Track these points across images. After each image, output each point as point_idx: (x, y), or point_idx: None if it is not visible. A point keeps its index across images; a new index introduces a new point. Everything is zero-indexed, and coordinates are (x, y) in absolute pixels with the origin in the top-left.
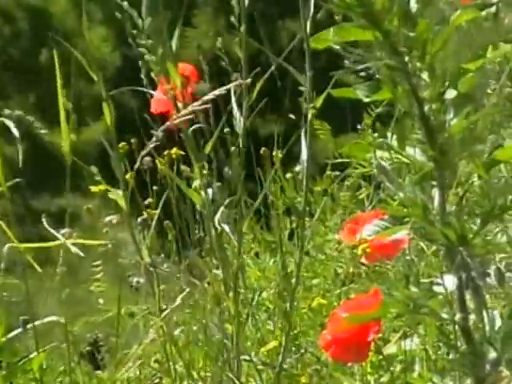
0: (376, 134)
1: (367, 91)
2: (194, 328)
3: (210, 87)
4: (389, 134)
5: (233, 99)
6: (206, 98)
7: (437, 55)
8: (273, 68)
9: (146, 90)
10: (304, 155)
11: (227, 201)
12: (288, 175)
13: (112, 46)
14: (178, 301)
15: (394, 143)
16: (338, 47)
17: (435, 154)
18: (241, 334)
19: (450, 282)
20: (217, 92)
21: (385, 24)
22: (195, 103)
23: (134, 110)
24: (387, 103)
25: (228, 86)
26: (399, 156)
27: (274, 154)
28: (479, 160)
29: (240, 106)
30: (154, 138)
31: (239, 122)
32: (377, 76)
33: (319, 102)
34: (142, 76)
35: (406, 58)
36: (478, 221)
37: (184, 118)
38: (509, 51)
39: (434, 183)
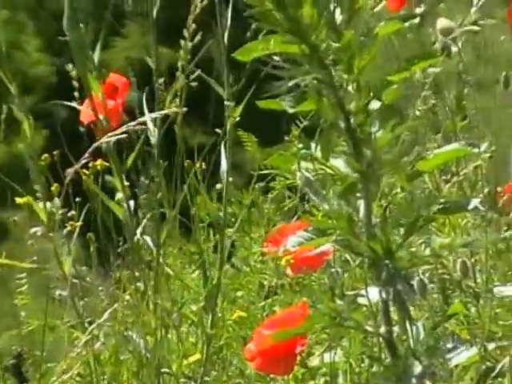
0: (300, 145)
1: (293, 102)
2: (117, 341)
3: (140, 97)
4: (313, 145)
5: (146, 113)
6: (141, 119)
7: (363, 67)
8: (195, 76)
9: (70, 103)
10: (224, 166)
11: (150, 213)
12: (218, 186)
13: (48, 57)
14: (106, 316)
15: (319, 154)
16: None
17: (361, 166)
18: (162, 347)
19: (375, 294)
20: (153, 115)
21: (312, 38)
22: (130, 123)
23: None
24: (314, 114)
25: (166, 112)
26: (323, 167)
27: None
28: (403, 172)
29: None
30: (82, 158)
31: (154, 133)
32: (303, 87)
33: (237, 112)
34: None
35: (333, 71)
36: (402, 232)
37: (117, 137)
38: (432, 63)
39: (359, 195)
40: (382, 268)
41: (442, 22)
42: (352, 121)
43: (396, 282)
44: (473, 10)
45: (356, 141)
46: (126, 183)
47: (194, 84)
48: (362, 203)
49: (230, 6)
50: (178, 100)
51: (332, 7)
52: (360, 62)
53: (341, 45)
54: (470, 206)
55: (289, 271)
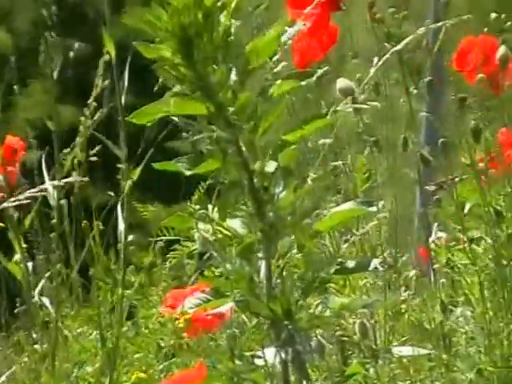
0: (198, 206)
1: (189, 164)
2: None
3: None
4: (210, 206)
5: (47, 179)
6: (42, 186)
7: (268, 127)
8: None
9: None
10: (121, 226)
11: (47, 274)
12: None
13: None
14: (3, 379)
15: (216, 215)
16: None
17: (263, 226)
18: None
19: (272, 355)
20: (55, 183)
21: (219, 96)
22: (32, 190)
23: None
24: (214, 175)
25: (66, 180)
26: (220, 228)
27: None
28: (304, 232)
29: (54, 178)
30: None
31: (52, 194)
32: (206, 147)
33: (136, 174)
34: None
35: (238, 131)
36: (300, 293)
37: (19, 203)
38: (331, 122)
39: (260, 255)
40: (282, 329)
41: (341, 82)
42: (256, 181)
43: (295, 342)
44: (372, 70)
45: (259, 201)
46: (24, 244)
47: (96, 149)
48: (263, 264)
49: (127, 67)
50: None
51: (228, 67)
52: (265, 122)
53: (236, 105)
54: (370, 267)
55: (186, 333)
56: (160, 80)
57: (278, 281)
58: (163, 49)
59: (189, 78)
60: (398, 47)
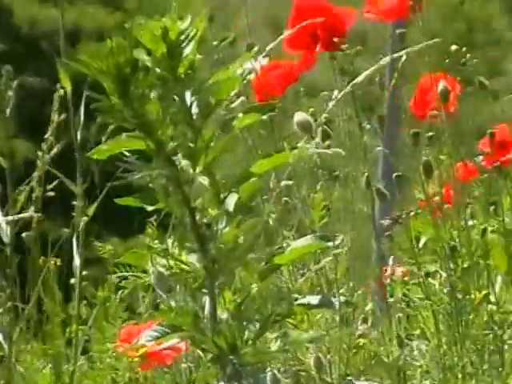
0: (155, 241)
1: (150, 199)
2: None
3: None
4: (168, 241)
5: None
6: None
7: (212, 162)
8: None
9: None
10: (76, 261)
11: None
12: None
13: None
14: None
15: (174, 250)
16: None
17: (206, 262)
18: None
19: None
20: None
21: (158, 134)
22: None
23: None
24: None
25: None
26: (178, 263)
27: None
28: (253, 268)
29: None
30: None
31: (5, 230)
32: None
33: (91, 211)
34: None
35: (180, 167)
36: (256, 328)
37: None
38: (288, 157)
39: (205, 291)
40: (227, 364)
41: (298, 116)
42: (198, 217)
43: (241, 377)
44: (330, 104)
45: (201, 237)
46: None
47: (53, 184)
48: (207, 299)
49: (83, 103)
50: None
51: (189, 101)
52: (212, 157)
53: (198, 141)
54: (327, 302)
55: (141, 367)
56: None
57: (224, 316)
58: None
59: (127, 116)
60: (356, 81)
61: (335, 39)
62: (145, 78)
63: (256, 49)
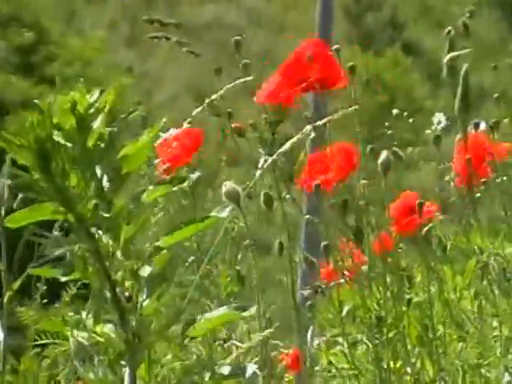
0: (71, 312)
1: (64, 270)
2: None
3: None
4: (84, 312)
5: None
6: None
7: (132, 235)
8: None
9: None
10: (0, 336)
11: None
12: None
13: None
14: None
15: (89, 321)
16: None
17: (126, 335)
18: None
19: None
20: None
21: (78, 207)
22: None
23: None
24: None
25: None
26: (94, 335)
27: None
28: (172, 340)
29: None
30: None
31: None
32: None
33: (16, 285)
34: None
35: (102, 239)
36: None
37: None
38: (212, 224)
39: (124, 363)
40: None
41: (227, 186)
42: (118, 290)
43: None
44: (257, 173)
45: (122, 309)
46: None
47: None
48: (127, 372)
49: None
50: None
51: (99, 174)
52: (129, 229)
53: (110, 214)
54: (247, 373)
55: None
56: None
57: None
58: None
59: (48, 191)
60: (282, 150)
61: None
62: (65, 152)
63: (164, 120)
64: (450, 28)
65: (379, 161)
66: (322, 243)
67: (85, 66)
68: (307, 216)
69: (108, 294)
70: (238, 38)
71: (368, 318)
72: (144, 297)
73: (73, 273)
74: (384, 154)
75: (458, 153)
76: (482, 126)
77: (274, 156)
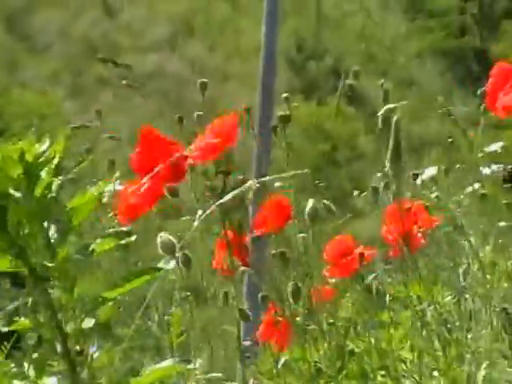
0: (12, 364)
1: (4, 320)
2: None
3: None
4: (26, 364)
5: None
6: None
7: (82, 286)
8: None
9: None
10: None
11: None
12: None
13: None
14: None
15: (31, 373)
16: None
17: None
18: None
19: None
20: None
21: (32, 262)
22: None
23: None
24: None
25: None
26: None
27: None
28: None
29: None
30: None
31: None
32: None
33: None
34: None
35: (53, 291)
36: None
37: None
38: (151, 277)
39: None
40: None
41: (162, 237)
42: (69, 343)
43: None
44: (195, 223)
45: (72, 362)
46: None
47: None
48: None
49: None
50: None
51: (46, 224)
52: (79, 281)
53: (55, 264)
54: None
55: None
56: None
57: None
58: None
59: (2, 243)
60: (221, 201)
61: None
62: (18, 205)
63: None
64: (382, 81)
65: (306, 210)
66: (260, 294)
67: (34, 119)
68: (248, 268)
69: (59, 346)
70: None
71: (307, 370)
72: (94, 349)
73: (13, 324)
74: (310, 204)
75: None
76: (426, 174)
77: (213, 207)
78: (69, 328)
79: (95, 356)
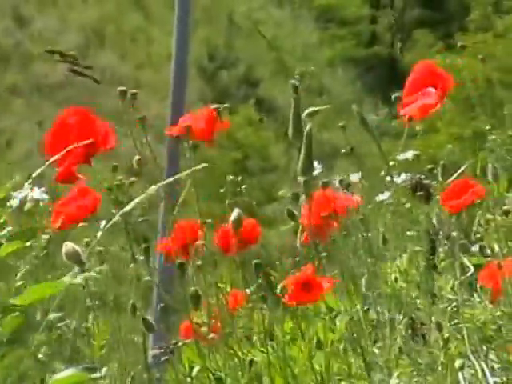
0: None
1: None
2: None
3: None
4: None
5: None
6: None
7: None
8: None
9: None
10: None
11: None
12: None
13: None
14: None
15: None
16: None
17: None
18: None
19: None
20: None
21: None
22: None
23: None
24: None
25: None
26: None
27: None
28: None
29: None
30: None
31: None
32: None
33: None
34: None
35: None
36: None
37: None
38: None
39: None
40: None
41: (67, 246)
42: None
43: None
44: (99, 234)
45: None
46: None
47: None
48: None
49: None
50: None
51: None
52: None
53: None
54: None
55: None
56: None
57: None
58: None
59: None
60: (124, 210)
61: None
62: None
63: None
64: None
65: (231, 218)
66: (160, 305)
67: None
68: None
69: None
70: None
71: (206, 378)
72: None
73: None
74: (235, 213)
75: (304, 210)
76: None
77: (116, 217)
78: None
79: None
